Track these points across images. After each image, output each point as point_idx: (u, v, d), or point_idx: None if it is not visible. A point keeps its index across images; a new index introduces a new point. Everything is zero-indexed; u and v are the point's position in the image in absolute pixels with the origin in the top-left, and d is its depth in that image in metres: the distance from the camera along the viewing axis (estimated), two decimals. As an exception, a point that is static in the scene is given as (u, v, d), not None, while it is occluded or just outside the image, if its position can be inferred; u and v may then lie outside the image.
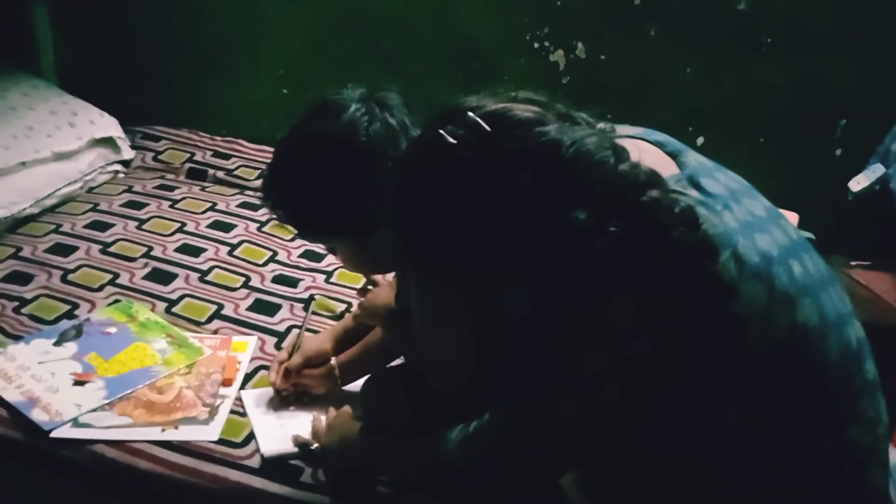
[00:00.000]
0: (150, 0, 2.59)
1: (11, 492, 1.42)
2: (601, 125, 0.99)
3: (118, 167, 2.39)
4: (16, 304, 1.71)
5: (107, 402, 1.44)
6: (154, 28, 2.63)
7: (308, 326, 1.63)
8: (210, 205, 2.20)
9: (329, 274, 1.92)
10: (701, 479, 0.99)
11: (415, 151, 1.01)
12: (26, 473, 1.39)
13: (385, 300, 1.35)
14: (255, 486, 1.30)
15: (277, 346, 1.64)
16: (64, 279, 1.81)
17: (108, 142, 2.37)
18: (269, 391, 1.48)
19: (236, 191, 2.30)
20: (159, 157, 2.47)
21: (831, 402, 0.96)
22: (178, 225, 2.08)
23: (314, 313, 1.73)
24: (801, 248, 1.00)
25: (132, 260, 1.90)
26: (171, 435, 1.38)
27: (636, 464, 1.02)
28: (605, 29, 2.26)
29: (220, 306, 1.76)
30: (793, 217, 1.88)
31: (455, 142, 0.92)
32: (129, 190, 2.26)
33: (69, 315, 1.69)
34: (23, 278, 1.80)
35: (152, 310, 1.72)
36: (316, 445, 1.31)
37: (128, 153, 2.42)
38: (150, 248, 1.95)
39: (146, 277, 1.84)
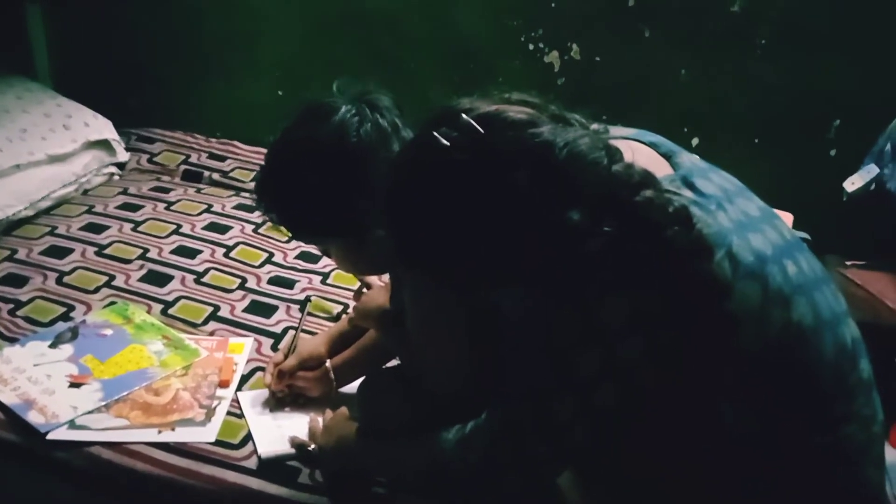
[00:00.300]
0: (144, 1, 2.59)
1: (8, 494, 1.42)
2: (594, 126, 0.99)
3: (113, 169, 2.39)
4: (11, 306, 1.71)
5: (103, 403, 1.44)
6: (148, 30, 2.63)
7: (304, 328, 1.63)
8: (206, 207, 2.20)
9: (325, 275, 1.92)
10: (696, 479, 0.99)
11: (408, 153, 1.01)
12: (23, 475, 1.39)
13: (379, 303, 1.35)
14: (253, 487, 1.30)
15: (274, 348, 1.64)
16: (59, 281, 1.81)
17: (103, 144, 2.36)
18: (265, 393, 1.48)
19: (232, 192, 2.30)
20: (154, 159, 2.47)
21: (826, 401, 0.96)
22: (174, 227, 2.08)
23: (309, 314, 1.74)
24: (795, 248, 1.01)
25: (128, 262, 1.90)
26: (168, 436, 1.38)
27: (631, 465, 1.02)
28: (600, 30, 2.26)
29: (217, 308, 1.76)
30: (787, 217, 1.89)
31: (448, 144, 0.92)
32: (125, 192, 2.25)
33: (65, 317, 1.69)
34: (18, 281, 1.80)
35: (148, 312, 1.72)
36: (313, 447, 1.31)
37: (123, 155, 2.42)
38: (146, 250, 1.95)
39: (142, 279, 1.84)
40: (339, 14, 2.46)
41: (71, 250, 1.93)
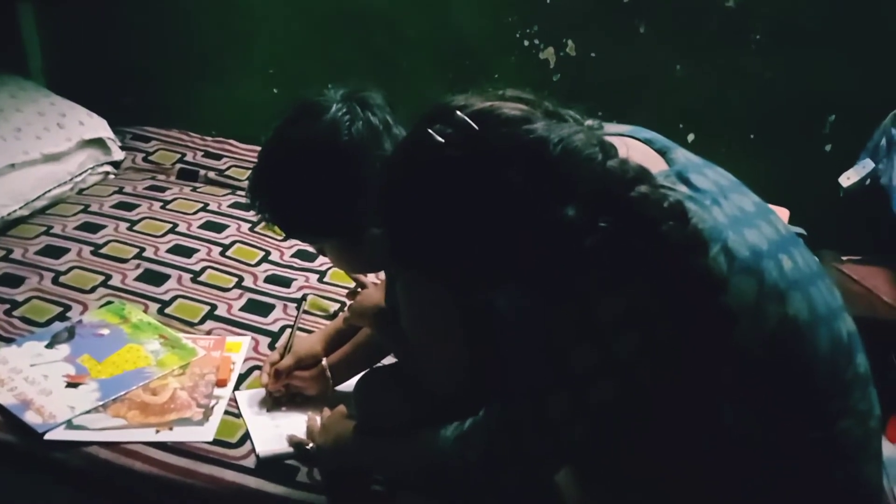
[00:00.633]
0: (138, 0, 2.59)
1: (5, 494, 1.42)
2: (589, 122, 0.99)
3: (108, 168, 2.38)
4: (7, 306, 1.71)
5: (100, 403, 1.44)
6: (142, 28, 2.63)
7: (302, 326, 1.63)
8: (202, 205, 2.20)
9: (322, 273, 1.92)
10: (694, 476, 0.99)
11: (402, 151, 1.01)
12: (20, 476, 1.38)
13: (374, 301, 1.35)
14: (251, 486, 1.30)
15: (271, 347, 1.64)
16: (55, 281, 1.80)
17: (98, 143, 2.36)
18: (263, 391, 1.48)
19: (228, 191, 2.30)
20: (150, 157, 2.46)
21: (822, 396, 0.96)
22: (170, 226, 2.07)
23: (306, 312, 1.74)
24: (791, 243, 1.01)
25: (124, 261, 1.90)
26: (166, 436, 1.38)
27: (630, 462, 1.03)
28: (595, 27, 2.27)
29: (214, 307, 1.76)
30: (783, 213, 1.89)
31: (443, 141, 0.92)
32: (120, 191, 2.25)
33: (61, 317, 1.68)
34: (14, 281, 1.79)
35: (145, 311, 1.72)
36: (311, 445, 1.31)
37: (118, 154, 2.41)
38: (142, 250, 1.95)
39: (138, 279, 1.84)
40: (334, 12, 2.45)
41: (67, 250, 1.93)
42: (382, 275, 1.44)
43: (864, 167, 1.94)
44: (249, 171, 2.32)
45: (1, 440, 1.37)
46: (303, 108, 1.24)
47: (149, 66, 2.64)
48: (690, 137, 2.25)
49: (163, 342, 1.61)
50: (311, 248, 1.92)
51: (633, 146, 1.00)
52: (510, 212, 0.91)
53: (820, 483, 0.98)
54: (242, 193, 2.25)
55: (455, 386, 1.18)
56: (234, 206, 2.20)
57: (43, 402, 1.42)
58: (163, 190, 2.28)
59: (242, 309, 1.77)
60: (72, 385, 1.47)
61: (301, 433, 1.35)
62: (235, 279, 1.87)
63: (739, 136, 2.25)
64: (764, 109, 2.21)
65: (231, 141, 2.53)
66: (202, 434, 1.39)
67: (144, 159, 2.45)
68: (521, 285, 1.02)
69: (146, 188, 2.28)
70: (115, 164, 2.41)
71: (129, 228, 2.05)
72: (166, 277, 1.85)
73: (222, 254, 1.97)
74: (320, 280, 1.90)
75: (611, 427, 0.97)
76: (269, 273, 1.91)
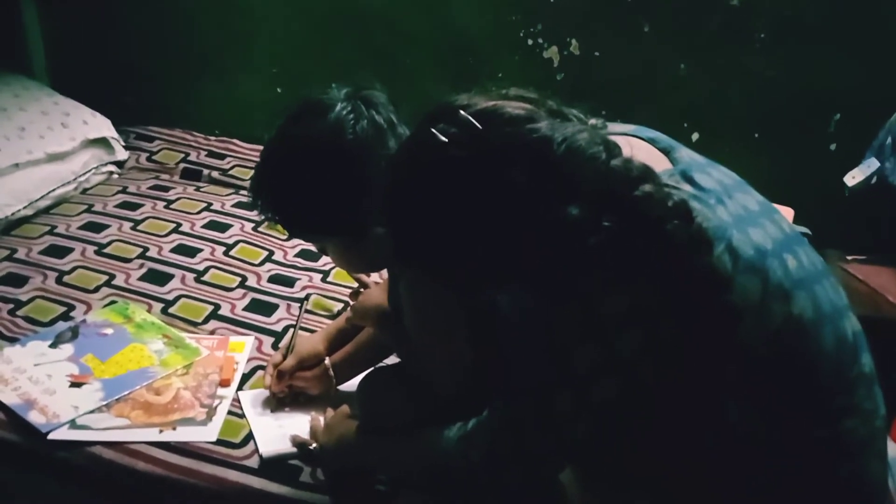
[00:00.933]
0: (141, 0, 2.59)
1: (9, 494, 1.42)
2: (593, 121, 0.99)
3: (112, 168, 2.38)
4: (11, 306, 1.71)
5: (104, 403, 1.44)
6: (146, 28, 2.63)
7: (305, 326, 1.63)
8: (205, 205, 2.20)
9: (326, 273, 1.92)
10: (698, 474, 0.99)
11: (406, 150, 1.01)
12: (24, 476, 1.39)
13: (377, 301, 1.35)
14: (255, 486, 1.30)
15: (275, 346, 1.64)
16: (59, 281, 1.81)
17: (102, 142, 2.36)
18: (266, 392, 1.48)
19: (231, 191, 2.30)
20: (153, 157, 2.47)
21: (827, 394, 0.96)
22: (174, 225, 2.07)
23: (309, 312, 1.73)
24: (795, 242, 1.01)
25: (128, 261, 1.90)
26: (169, 436, 1.38)
27: (634, 462, 1.02)
28: (599, 25, 2.26)
29: (217, 306, 1.76)
30: (788, 212, 1.89)
31: (446, 140, 0.92)
32: (124, 191, 2.25)
33: (65, 317, 1.69)
34: (18, 280, 1.79)
35: (148, 311, 1.72)
36: (314, 445, 1.31)
37: (121, 153, 2.41)
38: (146, 249, 1.95)
39: (142, 278, 1.84)
40: (336, 11, 2.45)
41: (71, 249, 1.93)
42: (385, 274, 1.43)
43: (869, 166, 1.93)
44: (253, 171, 2.35)
45: (4, 440, 1.37)
46: (307, 107, 1.24)
47: (152, 66, 2.64)
48: (694, 136, 2.25)
49: (166, 342, 1.61)
50: (313, 248, 1.93)
51: (636, 145, 0.99)
52: (514, 211, 0.91)
53: (824, 481, 0.98)
54: (246, 193, 2.24)
55: (458, 385, 1.18)
56: (238, 205, 2.20)
57: (46, 402, 1.42)
58: (166, 189, 2.28)
59: (246, 309, 1.77)
60: (75, 385, 1.48)
61: (304, 433, 1.35)
62: (239, 279, 1.87)
63: (743, 134, 2.24)
64: (768, 108, 2.21)
65: (234, 140, 2.53)
66: (205, 434, 1.39)
67: (148, 159, 2.46)
68: (525, 285, 1.02)
69: (150, 188, 2.29)
70: (119, 164, 2.41)
71: (133, 228, 2.05)
72: (170, 277, 1.85)
73: (226, 253, 1.97)
74: (324, 280, 1.90)
75: (614, 425, 0.97)
76: (273, 273, 1.91)
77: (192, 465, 1.33)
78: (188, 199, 2.23)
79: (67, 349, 1.57)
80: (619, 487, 1.06)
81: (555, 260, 0.92)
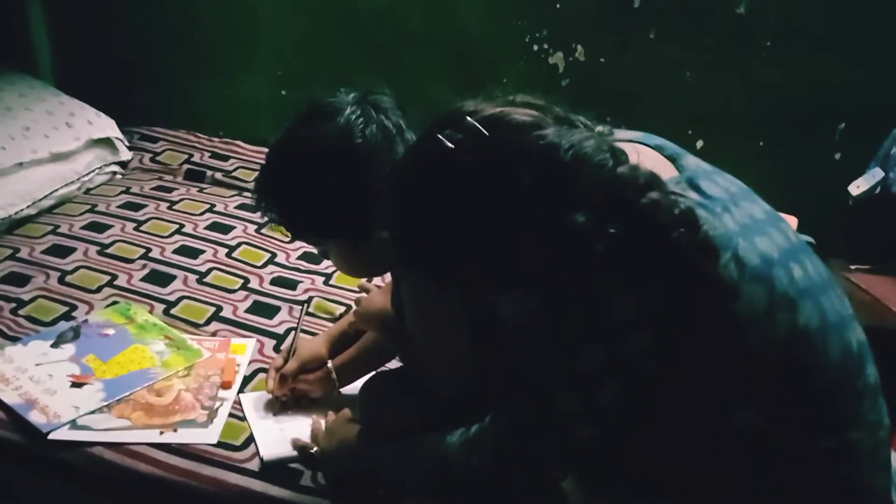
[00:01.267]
0: (147, 1, 2.59)
1: (9, 494, 1.42)
2: (599, 128, 0.99)
3: (116, 168, 2.38)
4: (13, 305, 1.71)
5: (105, 404, 1.43)
6: (151, 28, 2.63)
7: (307, 329, 1.63)
8: (208, 206, 2.20)
9: (328, 276, 1.91)
10: (702, 480, 0.99)
11: (413, 156, 1.01)
12: (24, 476, 1.38)
13: (379, 305, 1.35)
14: (255, 489, 1.29)
15: (276, 349, 1.63)
16: (62, 280, 1.80)
17: (106, 142, 2.36)
18: (267, 394, 1.47)
19: (235, 192, 2.30)
20: (157, 158, 2.46)
21: (832, 404, 0.96)
22: (177, 226, 2.07)
23: (310, 314, 1.73)
24: (801, 251, 1.00)
25: (130, 261, 1.90)
26: (170, 437, 1.38)
27: (637, 465, 1.02)
28: (605, 31, 2.26)
29: (219, 308, 1.76)
30: (792, 221, 1.88)
31: (453, 146, 0.92)
32: (127, 191, 2.25)
33: (67, 317, 1.68)
34: (20, 279, 1.79)
35: (150, 311, 1.72)
36: (315, 449, 1.31)
37: (125, 154, 2.41)
38: (149, 250, 1.95)
39: (144, 279, 1.84)
40: (342, 14, 2.45)
41: (73, 249, 1.93)
42: (388, 278, 1.43)
43: (873, 176, 1.93)
44: (257, 173, 2.35)
45: (5, 439, 1.37)
46: (316, 110, 1.23)
47: (157, 67, 2.64)
48: (699, 143, 2.24)
49: (168, 343, 1.61)
50: (315, 251, 1.93)
51: (643, 152, 0.99)
52: (520, 217, 0.91)
53: (828, 491, 0.98)
54: (249, 195, 2.24)
55: (460, 389, 1.17)
56: (241, 207, 2.19)
57: (47, 402, 1.42)
58: (170, 190, 2.28)
59: (248, 311, 1.76)
60: (76, 385, 1.47)
61: (305, 436, 1.34)
62: (241, 281, 1.87)
63: (748, 142, 2.24)
64: (773, 116, 2.21)
65: (238, 142, 2.53)
66: (206, 436, 1.39)
67: (152, 159, 2.46)
68: (530, 288, 1.01)
69: (153, 188, 2.28)
70: (123, 164, 2.41)
71: (136, 229, 2.05)
72: (172, 278, 1.85)
73: (228, 255, 1.97)
74: (326, 283, 1.89)
75: (617, 429, 0.97)
76: (275, 275, 1.91)
77: (192, 467, 1.32)
78: (191, 200, 2.23)
79: (69, 349, 1.57)
80: (622, 491, 1.05)
81: (560, 265, 0.92)
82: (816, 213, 2.02)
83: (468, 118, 0.93)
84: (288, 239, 2.01)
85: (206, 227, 2.08)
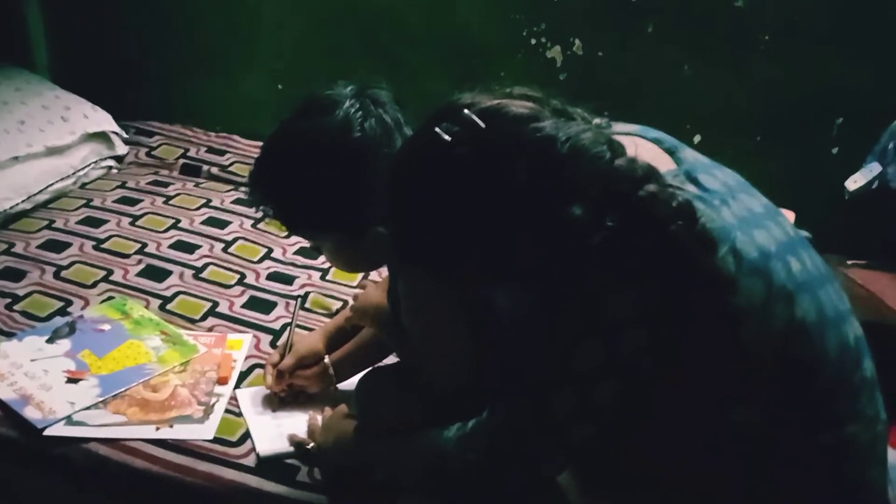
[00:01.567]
0: (146, -1, 2.59)
1: (4, 490, 1.41)
2: (597, 121, 0.99)
3: (111, 163, 2.38)
4: (8, 300, 1.70)
5: (100, 399, 1.43)
6: (147, 23, 2.62)
7: (304, 324, 1.62)
8: (204, 201, 2.19)
9: (325, 272, 1.91)
10: (699, 477, 0.99)
11: (410, 149, 1.01)
12: (19, 472, 1.38)
13: (376, 301, 1.34)
14: (251, 484, 1.29)
15: (273, 344, 1.63)
16: (57, 276, 1.80)
17: (102, 137, 2.35)
18: (264, 390, 1.47)
19: (231, 187, 2.29)
20: (153, 152, 2.46)
21: (830, 399, 0.96)
22: (172, 221, 2.07)
23: (307, 310, 1.73)
24: (799, 245, 1.00)
25: (126, 256, 1.89)
26: (166, 433, 1.37)
27: (634, 462, 1.02)
28: (603, 26, 2.25)
29: (215, 304, 1.75)
30: (789, 215, 1.88)
31: (450, 139, 0.91)
32: (123, 186, 2.24)
33: (62, 312, 1.68)
34: (15, 275, 1.79)
35: (146, 307, 1.71)
36: (311, 445, 1.30)
37: (121, 148, 2.41)
38: (144, 245, 1.94)
39: (140, 274, 1.83)
40: (340, 8, 2.45)
41: (69, 244, 1.92)
42: (384, 273, 1.43)
43: (871, 170, 1.92)
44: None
45: (0, 435, 1.36)
46: (313, 103, 1.22)
47: (153, 61, 2.63)
48: (696, 138, 2.24)
49: (164, 338, 1.60)
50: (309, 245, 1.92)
51: (641, 145, 0.99)
52: (517, 210, 0.91)
53: (825, 486, 0.97)
54: (245, 190, 2.24)
55: (458, 383, 1.17)
56: (237, 202, 2.19)
57: (43, 398, 1.42)
58: (166, 185, 2.27)
59: (244, 306, 1.76)
60: (72, 381, 1.47)
61: (302, 432, 1.34)
62: (237, 276, 1.86)
63: (746, 137, 2.24)
64: (771, 111, 2.20)
65: (235, 137, 2.53)
66: (202, 432, 1.38)
67: (148, 154, 2.45)
68: (527, 283, 1.01)
69: (149, 183, 2.28)
70: (119, 159, 2.41)
71: (132, 223, 2.04)
72: (168, 273, 1.84)
73: (224, 250, 1.97)
74: (322, 278, 1.89)
75: (615, 426, 0.97)
76: (272, 270, 1.90)
77: (188, 462, 1.32)
78: (187, 195, 2.22)
79: (64, 344, 1.56)
80: (619, 489, 1.05)
81: (557, 258, 0.92)
82: (814, 208, 2.01)
83: (465, 111, 0.92)
84: (285, 234, 2.02)
85: (203, 222, 2.08)
